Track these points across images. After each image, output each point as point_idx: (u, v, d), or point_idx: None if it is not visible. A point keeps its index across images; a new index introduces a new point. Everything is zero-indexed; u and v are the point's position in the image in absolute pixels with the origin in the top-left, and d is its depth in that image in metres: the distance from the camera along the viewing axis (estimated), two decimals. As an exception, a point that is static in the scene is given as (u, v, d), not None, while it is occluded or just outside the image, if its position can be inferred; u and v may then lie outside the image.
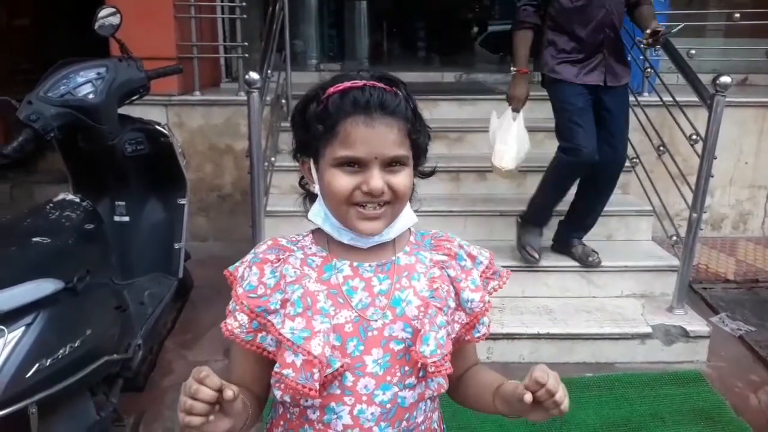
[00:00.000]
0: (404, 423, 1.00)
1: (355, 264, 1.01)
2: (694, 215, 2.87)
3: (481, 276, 1.07)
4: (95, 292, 2.04)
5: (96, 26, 2.51)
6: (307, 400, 0.96)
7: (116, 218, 2.62)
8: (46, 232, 2.04)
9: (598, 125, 2.91)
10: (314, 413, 0.98)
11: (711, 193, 3.96)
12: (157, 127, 2.64)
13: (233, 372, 1.05)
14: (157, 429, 2.38)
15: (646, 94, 4.06)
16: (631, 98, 3.21)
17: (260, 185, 2.80)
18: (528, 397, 0.89)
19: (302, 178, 1.05)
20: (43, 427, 1.74)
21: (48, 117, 2.16)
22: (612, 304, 3.08)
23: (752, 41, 4.54)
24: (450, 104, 4.29)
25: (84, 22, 2.61)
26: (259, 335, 0.99)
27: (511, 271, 1.15)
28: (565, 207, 3.17)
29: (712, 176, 2.87)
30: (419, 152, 1.00)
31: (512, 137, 2.98)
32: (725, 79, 2.71)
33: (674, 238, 3.19)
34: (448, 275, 1.04)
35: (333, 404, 0.97)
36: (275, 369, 0.95)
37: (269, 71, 3.33)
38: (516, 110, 2.99)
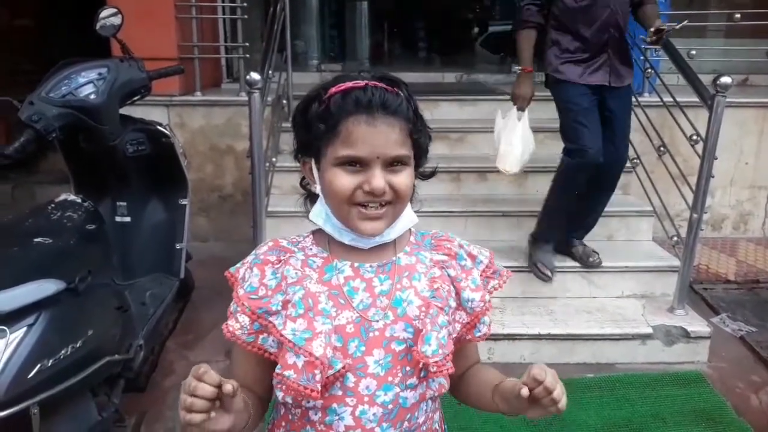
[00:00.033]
0: (406, 423, 1.00)
1: (356, 264, 1.01)
2: (695, 216, 2.87)
3: (481, 275, 1.07)
4: (97, 292, 2.05)
5: (97, 26, 2.52)
6: (308, 402, 0.96)
7: (118, 219, 2.62)
8: (47, 233, 2.05)
9: (602, 126, 2.89)
10: (316, 414, 0.98)
11: (711, 194, 3.96)
12: (159, 127, 2.64)
13: (235, 373, 1.05)
14: (159, 429, 2.38)
15: (646, 94, 4.06)
16: (632, 98, 3.20)
17: (261, 186, 2.80)
18: (525, 391, 0.89)
19: (303, 178, 1.05)
20: (44, 427, 1.74)
21: (49, 117, 2.17)
22: (613, 305, 3.08)
23: (753, 41, 4.55)
24: (451, 105, 4.28)
25: (85, 22, 2.61)
26: (261, 337, 0.99)
27: (512, 271, 1.15)
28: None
29: (713, 177, 2.87)
30: (420, 152, 1.00)
31: (517, 138, 2.98)
32: (726, 79, 2.71)
33: (675, 238, 3.19)
34: (449, 275, 1.04)
35: (335, 405, 0.97)
36: (277, 370, 0.95)
37: (270, 72, 3.33)
38: (521, 109, 2.98)
